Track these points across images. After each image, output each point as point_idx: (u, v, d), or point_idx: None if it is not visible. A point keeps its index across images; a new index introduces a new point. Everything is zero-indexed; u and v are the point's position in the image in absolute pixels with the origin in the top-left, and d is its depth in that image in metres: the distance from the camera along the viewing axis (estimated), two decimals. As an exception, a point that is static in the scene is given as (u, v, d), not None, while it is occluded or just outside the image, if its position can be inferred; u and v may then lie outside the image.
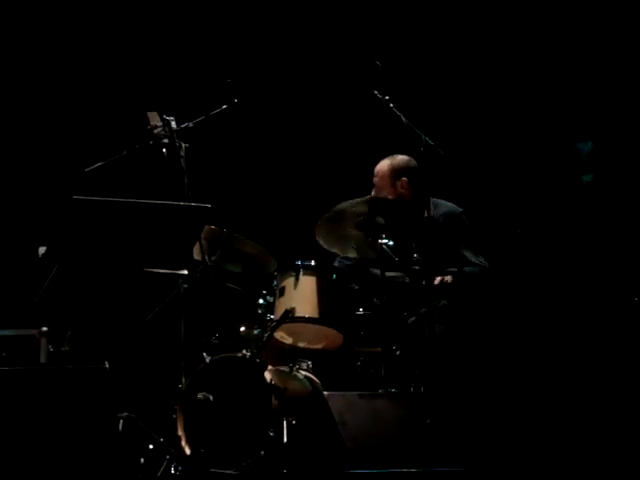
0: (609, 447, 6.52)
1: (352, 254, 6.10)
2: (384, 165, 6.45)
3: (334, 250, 6.07)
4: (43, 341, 5.93)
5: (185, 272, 5.92)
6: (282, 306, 5.91)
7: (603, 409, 6.82)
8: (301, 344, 6.02)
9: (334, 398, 5.57)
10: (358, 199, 5.88)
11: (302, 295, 5.91)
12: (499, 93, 7.55)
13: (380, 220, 5.84)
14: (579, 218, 7.37)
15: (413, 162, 6.41)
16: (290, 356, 5.96)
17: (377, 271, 5.97)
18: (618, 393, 6.86)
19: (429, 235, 5.93)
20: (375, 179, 6.44)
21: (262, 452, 5.55)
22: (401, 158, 6.44)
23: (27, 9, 7.57)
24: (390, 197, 6.28)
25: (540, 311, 7.14)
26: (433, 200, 6.20)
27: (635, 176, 7.33)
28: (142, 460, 5.63)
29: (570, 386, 6.94)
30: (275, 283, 6.06)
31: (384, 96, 5.95)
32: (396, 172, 6.40)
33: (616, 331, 7.06)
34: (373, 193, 6.37)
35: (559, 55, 7.49)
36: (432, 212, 6.12)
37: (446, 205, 6.36)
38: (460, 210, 6.39)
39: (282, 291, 5.97)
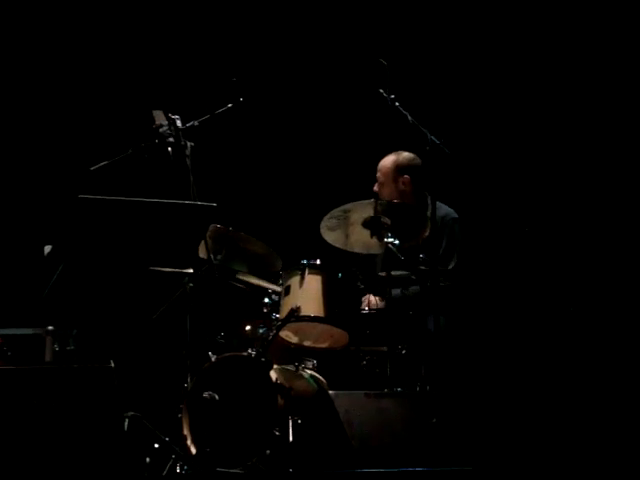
0: (614, 444, 6.53)
1: (358, 250, 6.07)
2: (388, 161, 6.43)
3: (338, 245, 6.05)
4: (49, 340, 5.94)
5: (191, 271, 5.93)
6: (287, 305, 5.89)
7: (607, 406, 6.82)
8: (307, 343, 6.01)
9: (340, 397, 5.56)
10: (364, 201, 5.86)
11: (307, 294, 5.89)
12: (504, 91, 7.53)
13: (386, 220, 5.82)
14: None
15: (417, 160, 6.39)
16: (295, 355, 5.95)
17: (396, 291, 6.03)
18: (622, 391, 6.87)
19: (433, 236, 5.89)
20: (378, 174, 6.43)
21: (268, 451, 5.55)
22: (406, 155, 6.41)
23: (30, 7, 7.56)
24: (391, 194, 6.25)
25: (546, 309, 7.13)
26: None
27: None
28: (148, 459, 5.62)
29: (575, 384, 6.93)
30: (281, 282, 6.05)
31: (390, 95, 5.93)
32: (399, 169, 6.39)
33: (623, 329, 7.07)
34: (375, 188, 6.36)
35: (563, 53, 7.47)
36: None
37: (444, 208, 6.34)
38: (455, 216, 6.36)
39: (287, 290, 5.95)
